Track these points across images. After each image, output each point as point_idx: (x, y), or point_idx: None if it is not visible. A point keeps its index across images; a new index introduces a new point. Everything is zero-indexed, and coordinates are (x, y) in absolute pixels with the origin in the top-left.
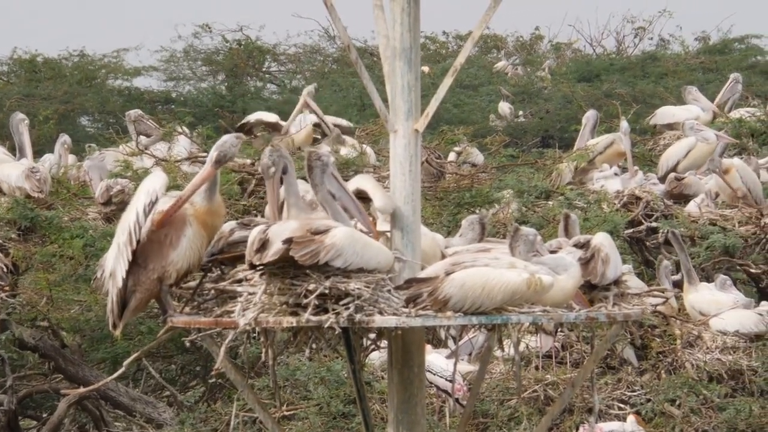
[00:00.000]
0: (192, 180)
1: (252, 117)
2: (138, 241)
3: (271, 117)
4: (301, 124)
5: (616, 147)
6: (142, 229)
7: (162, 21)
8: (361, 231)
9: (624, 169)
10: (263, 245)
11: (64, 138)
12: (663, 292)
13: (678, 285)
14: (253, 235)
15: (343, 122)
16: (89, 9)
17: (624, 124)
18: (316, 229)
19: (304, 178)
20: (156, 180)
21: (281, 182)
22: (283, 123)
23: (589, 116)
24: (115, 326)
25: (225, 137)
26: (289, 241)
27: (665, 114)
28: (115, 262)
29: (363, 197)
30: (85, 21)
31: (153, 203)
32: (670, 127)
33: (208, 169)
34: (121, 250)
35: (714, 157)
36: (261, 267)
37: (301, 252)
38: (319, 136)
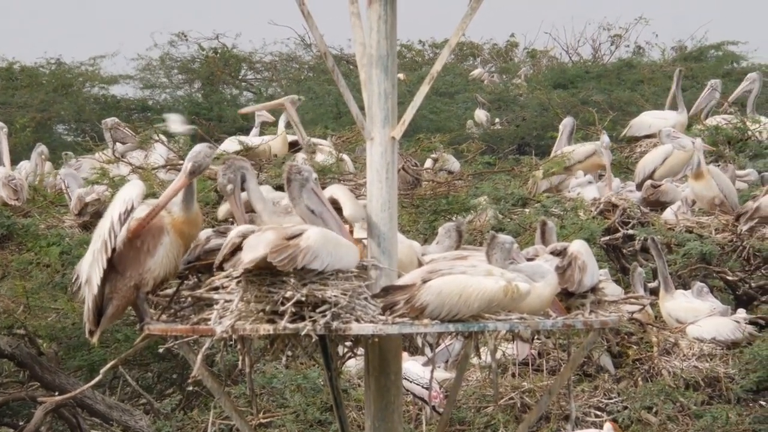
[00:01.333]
0: (167, 189)
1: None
2: (113, 250)
3: (235, 146)
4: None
5: (596, 158)
6: (117, 238)
7: (138, 29)
8: None
9: (601, 176)
10: (235, 251)
11: (42, 148)
12: (640, 299)
13: (654, 292)
14: (230, 236)
15: (325, 143)
16: (66, 17)
17: (605, 138)
18: (291, 234)
19: (278, 187)
20: (132, 189)
21: (243, 192)
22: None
23: (566, 123)
24: (91, 333)
25: (198, 147)
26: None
27: (641, 125)
28: (90, 269)
29: (336, 207)
30: (61, 28)
31: (129, 212)
32: (647, 137)
33: (183, 179)
34: (96, 257)
35: (693, 162)
36: (237, 276)
37: (279, 258)
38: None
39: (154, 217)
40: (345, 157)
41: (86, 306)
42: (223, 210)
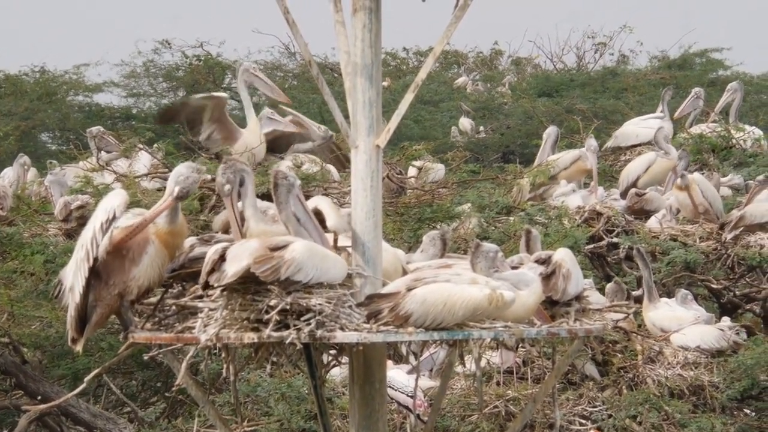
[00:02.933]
0: (153, 208)
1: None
2: (95, 259)
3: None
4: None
5: (581, 164)
6: (99, 247)
7: (122, 36)
8: None
9: (586, 184)
10: (215, 267)
11: (24, 159)
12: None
13: (639, 300)
14: (209, 255)
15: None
16: (50, 24)
17: (592, 141)
18: (276, 245)
19: (261, 196)
20: (115, 198)
21: (239, 196)
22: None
23: (550, 132)
24: (74, 341)
25: (185, 171)
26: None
27: (627, 135)
28: (73, 278)
29: (319, 218)
30: (46, 36)
31: (110, 221)
32: (634, 146)
33: (169, 201)
34: (78, 265)
35: (678, 172)
36: (221, 288)
37: (262, 268)
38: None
39: (137, 234)
40: (330, 167)
41: (69, 314)
42: (218, 221)
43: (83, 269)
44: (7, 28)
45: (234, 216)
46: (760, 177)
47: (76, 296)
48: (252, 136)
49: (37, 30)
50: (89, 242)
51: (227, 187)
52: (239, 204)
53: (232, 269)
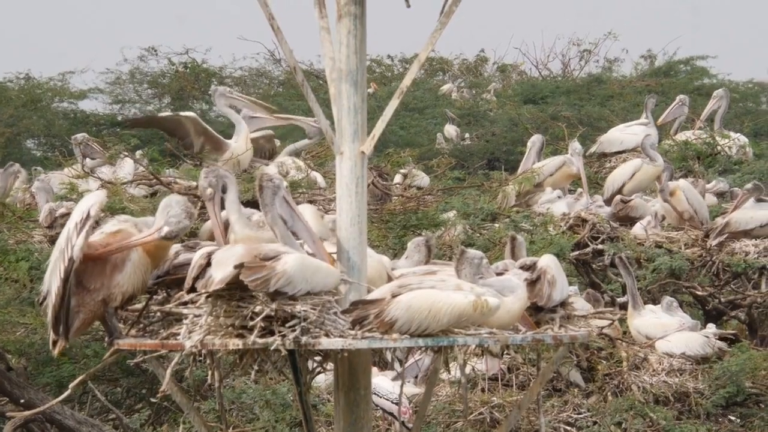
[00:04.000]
0: (137, 237)
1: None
2: (71, 259)
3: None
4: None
5: (566, 169)
6: (75, 247)
7: (108, 43)
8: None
9: (572, 191)
10: (203, 272)
11: (15, 167)
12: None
13: (624, 307)
14: (195, 259)
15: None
16: (35, 31)
17: (576, 145)
18: (266, 254)
19: (247, 203)
20: (91, 198)
21: (222, 203)
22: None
23: (535, 140)
24: (54, 343)
25: (178, 213)
26: (241, 266)
27: (612, 141)
28: (50, 279)
29: None
30: (30, 43)
31: (85, 220)
32: (619, 152)
33: (154, 237)
34: (54, 266)
35: (663, 185)
36: (207, 294)
37: (252, 278)
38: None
39: (117, 253)
40: (316, 174)
41: (49, 315)
42: (205, 230)
43: (59, 270)
44: None
45: (216, 220)
46: (749, 185)
47: (53, 297)
48: (240, 146)
49: (23, 37)
50: (64, 242)
51: (209, 191)
52: (223, 211)
53: (220, 275)
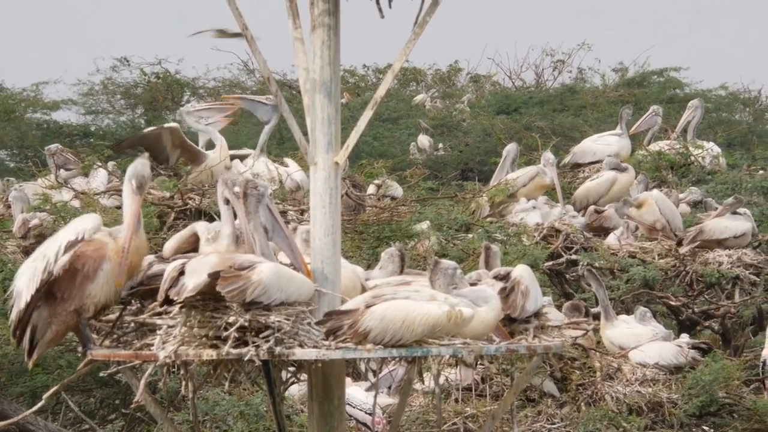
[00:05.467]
0: (127, 215)
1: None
2: (50, 273)
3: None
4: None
5: (540, 180)
6: (58, 263)
7: (81, 54)
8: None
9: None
10: (176, 283)
11: None
12: (582, 324)
13: (598, 317)
14: (168, 272)
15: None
16: (7, 42)
17: (549, 155)
18: (241, 264)
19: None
20: (87, 222)
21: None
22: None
23: (510, 149)
24: (29, 354)
25: (133, 164)
26: (215, 275)
27: (585, 152)
28: (25, 284)
29: None
30: (3, 54)
31: (77, 242)
32: (592, 163)
33: (135, 199)
34: (33, 274)
35: (627, 198)
36: (180, 302)
37: (228, 288)
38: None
39: (131, 241)
40: (299, 178)
41: (10, 318)
42: (169, 247)
43: (36, 279)
44: None
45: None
46: (730, 199)
47: (21, 302)
48: (215, 158)
49: None
50: (52, 255)
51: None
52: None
53: (192, 283)
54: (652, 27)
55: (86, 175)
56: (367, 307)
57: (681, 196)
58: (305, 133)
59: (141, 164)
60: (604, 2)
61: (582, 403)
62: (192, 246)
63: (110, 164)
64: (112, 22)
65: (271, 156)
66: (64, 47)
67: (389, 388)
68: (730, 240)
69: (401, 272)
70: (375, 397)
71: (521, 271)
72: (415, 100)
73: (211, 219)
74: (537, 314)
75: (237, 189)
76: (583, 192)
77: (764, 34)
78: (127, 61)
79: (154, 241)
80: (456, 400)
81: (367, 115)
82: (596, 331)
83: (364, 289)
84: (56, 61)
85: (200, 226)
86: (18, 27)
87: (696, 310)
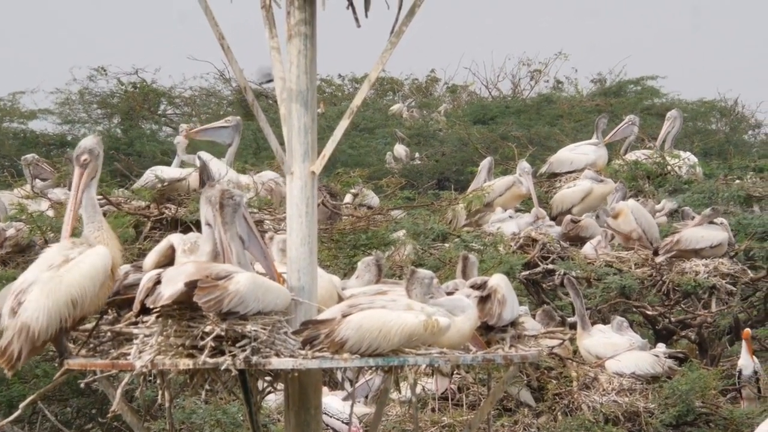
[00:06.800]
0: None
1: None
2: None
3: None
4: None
5: (515, 190)
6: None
7: (58, 64)
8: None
9: (518, 210)
10: (152, 292)
11: None
12: (559, 334)
13: (575, 326)
14: (144, 282)
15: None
16: None
17: (525, 165)
18: (217, 274)
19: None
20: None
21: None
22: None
23: (485, 163)
24: (10, 365)
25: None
26: (192, 284)
27: (562, 162)
28: (43, 316)
29: None
30: None
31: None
32: (569, 172)
33: (76, 171)
34: (53, 304)
35: (604, 208)
36: (156, 310)
37: (205, 299)
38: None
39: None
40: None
41: (14, 336)
42: (150, 261)
43: (57, 313)
44: None
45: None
46: (707, 210)
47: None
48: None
49: None
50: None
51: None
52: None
53: (168, 291)
54: (629, 37)
55: (62, 184)
56: (344, 316)
57: (657, 207)
58: (282, 143)
59: (89, 139)
60: (582, 11)
61: (559, 413)
62: (169, 259)
63: None
64: (89, 32)
65: (247, 165)
66: (41, 57)
67: (366, 397)
68: (706, 249)
69: (378, 281)
70: (352, 406)
71: (498, 280)
72: (391, 109)
73: (187, 228)
74: (514, 323)
75: (213, 198)
76: (559, 198)
77: (743, 44)
78: (104, 71)
79: (129, 250)
80: (433, 410)
81: (344, 124)
82: (573, 340)
83: (340, 299)
84: (33, 71)
85: (175, 238)
86: None
87: (672, 319)
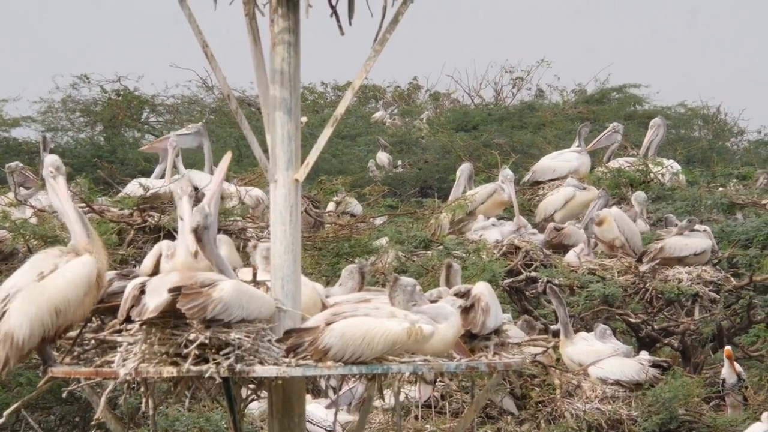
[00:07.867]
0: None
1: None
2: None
3: (137, 189)
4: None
5: (497, 197)
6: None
7: (41, 72)
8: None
9: (501, 218)
10: (137, 301)
11: None
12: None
13: (558, 334)
14: (128, 290)
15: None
16: None
17: (507, 172)
18: (202, 282)
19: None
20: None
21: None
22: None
23: (463, 169)
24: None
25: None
26: (177, 290)
27: (544, 170)
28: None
29: None
30: None
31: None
32: (551, 180)
33: (59, 180)
34: (38, 311)
35: (593, 216)
36: (140, 322)
37: (189, 305)
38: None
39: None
40: (259, 195)
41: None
42: (147, 265)
43: (41, 321)
44: None
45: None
46: (684, 222)
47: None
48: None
49: None
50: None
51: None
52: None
53: (153, 303)
54: (612, 44)
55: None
56: (328, 324)
57: (639, 222)
58: (265, 151)
59: (48, 158)
60: (565, 19)
61: (542, 421)
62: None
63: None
64: (71, 40)
65: (230, 172)
66: (24, 65)
67: (349, 405)
68: (690, 257)
69: (361, 289)
70: (335, 414)
71: (482, 288)
72: (374, 117)
73: (171, 236)
74: (497, 331)
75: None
76: (543, 205)
77: (723, 51)
78: (87, 79)
79: (112, 257)
80: (416, 417)
81: (327, 132)
82: (556, 348)
83: (324, 306)
84: (16, 79)
85: (164, 245)
86: None
87: (656, 327)
